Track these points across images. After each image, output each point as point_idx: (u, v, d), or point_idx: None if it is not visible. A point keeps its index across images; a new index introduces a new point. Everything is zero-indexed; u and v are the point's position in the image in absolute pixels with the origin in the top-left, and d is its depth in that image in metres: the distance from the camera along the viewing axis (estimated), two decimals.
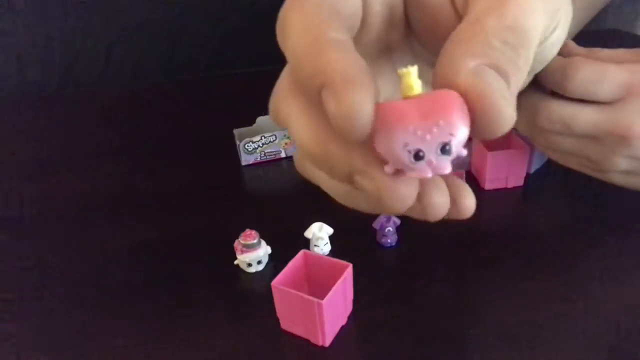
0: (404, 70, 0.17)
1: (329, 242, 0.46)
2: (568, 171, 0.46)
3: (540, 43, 0.22)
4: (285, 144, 0.62)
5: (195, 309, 0.42)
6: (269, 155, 0.62)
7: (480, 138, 0.17)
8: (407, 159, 0.16)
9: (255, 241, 0.44)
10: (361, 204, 0.22)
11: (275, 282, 0.37)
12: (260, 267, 0.45)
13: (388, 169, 0.17)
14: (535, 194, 0.54)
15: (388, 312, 0.40)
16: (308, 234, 0.45)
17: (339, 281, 0.37)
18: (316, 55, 0.17)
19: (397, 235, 0.47)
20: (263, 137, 0.61)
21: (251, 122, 0.64)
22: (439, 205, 0.19)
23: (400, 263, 0.46)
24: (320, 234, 0.45)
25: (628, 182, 0.43)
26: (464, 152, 0.17)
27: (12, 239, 0.52)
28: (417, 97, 0.17)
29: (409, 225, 0.47)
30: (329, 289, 0.36)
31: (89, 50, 0.89)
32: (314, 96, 0.17)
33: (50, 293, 0.45)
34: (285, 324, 0.39)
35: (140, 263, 0.48)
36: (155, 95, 0.86)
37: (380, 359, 0.37)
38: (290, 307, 0.37)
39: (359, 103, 0.16)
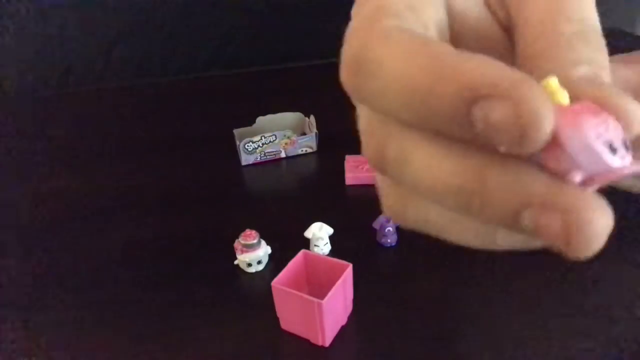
0: (544, 81, 0.15)
1: (329, 242, 0.46)
2: None
3: None
4: (285, 144, 0.62)
5: (195, 309, 0.42)
6: (269, 155, 0.62)
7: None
8: (606, 151, 0.14)
9: (255, 241, 0.44)
10: (509, 242, 0.17)
11: (275, 282, 0.37)
12: (260, 267, 0.45)
13: (577, 176, 0.14)
14: None
15: (388, 312, 0.40)
16: (308, 234, 0.45)
17: (339, 281, 0.37)
18: (449, 72, 0.14)
19: (397, 235, 0.47)
20: (263, 137, 0.61)
21: (251, 122, 0.64)
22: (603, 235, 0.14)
23: (400, 263, 0.46)
24: (320, 234, 0.45)
25: (629, 185, 0.43)
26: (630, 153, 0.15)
27: (12, 239, 0.52)
28: (571, 104, 0.15)
29: None
30: (329, 289, 0.36)
31: (89, 50, 0.89)
32: (460, 120, 0.14)
33: (50, 293, 0.45)
34: (285, 324, 0.39)
35: (139, 263, 0.48)
36: (155, 95, 0.86)
37: (380, 359, 0.37)
38: (290, 307, 0.37)
39: (543, 101, 0.13)
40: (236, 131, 0.63)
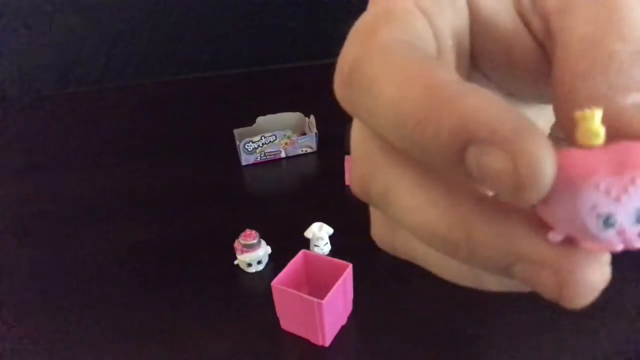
0: (587, 112, 0.13)
1: (329, 242, 0.46)
2: None
3: None
4: (285, 144, 0.62)
5: (196, 309, 0.42)
6: (269, 155, 0.62)
7: None
8: (595, 225, 0.13)
9: (255, 241, 0.44)
10: (499, 285, 0.17)
11: (275, 282, 0.37)
12: (260, 267, 0.45)
13: (554, 236, 0.13)
14: None
15: (388, 312, 0.40)
16: (308, 234, 0.45)
17: (339, 281, 0.37)
18: (444, 106, 0.13)
19: None
20: (263, 137, 0.61)
21: (251, 122, 0.64)
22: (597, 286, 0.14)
23: (400, 263, 0.46)
24: (320, 234, 0.45)
25: None
26: None
27: (12, 239, 0.52)
28: (601, 147, 0.13)
29: None
30: (329, 289, 0.36)
31: (89, 50, 0.89)
32: (450, 159, 0.13)
33: (50, 293, 0.45)
34: (285, 324, 0.39)
35: (139, 263, 0.48)
36: (155, 95, 0.86)
37: (380, 359, 0.37)
38: (290, 307, 0.37)
39: (544, 153, 0.12)
40: (236, 131, 0.63)
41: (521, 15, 0.18)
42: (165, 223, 0.53)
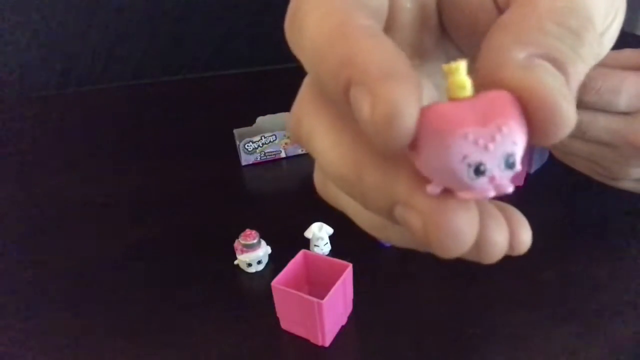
0: (452, 65, 0.13)
1: (329, 242, 0.46)
2: (568, 172, 0.46)
3: (601, 34, 0.18)
4: (285, 143, 0.62)
5: (195, 309, 0.42)
6: (269, 155, 0.62)
7: (537, 144, 0.14)
8: (466, 174, 0.13)
9: (255, 241, 0.44)
10: (401, 239, 0.18)
11: (275, 282, 0.37)
12: (260, 267, 0.45)
13: (432, 188, 0.13)
14: (535, 194, 0.54)
15: (388, 312, 0.40)
16: (308, 234, 0.45)
17: (339, 281, 0.37)
18: (343, 42, 0.13)
19: None
20: (263, 137, 0.61)
21: (251, 122, 0.64)
22: (499, 243, 0.15)
23: (400, 263, 0.46)
24: (320, 234, 0.45)
25: (638, 189, 0.43)
26: (519, 167, 0.14)
27: (12, 239, 0.52)
28: (468, 99, 0.13)
29: None
30: (329, 289, 0.36)
31: (89, 50, 0.89)
32: (340, 97, 0.14)
33: (50, 293, 0.45)
34: (285, 324, 0.39)
35: (139, 263, 0.48)
36: (155, 95, 0.86)
37: (380, 359, 0.37)
38: (290, 307, 0.37)
39: (403, 101, 0.12)
40: (236, 131, 0.63)
41: None
42: (165, 223, 0.53)
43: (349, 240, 0.47)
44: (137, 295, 0.44)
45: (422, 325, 0.39)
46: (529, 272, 0.43)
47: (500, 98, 0.13)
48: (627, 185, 0.42)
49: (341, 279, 0.37)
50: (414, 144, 0.13)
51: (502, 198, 0.15)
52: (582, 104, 0.38)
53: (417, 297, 0.42)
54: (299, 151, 0.63)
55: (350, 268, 0.38)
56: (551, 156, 0.56)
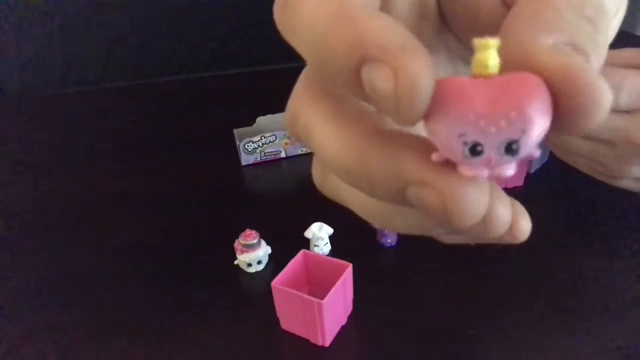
0: (482, 41, 0.13)
1: (329, 242, 0.46)
2: (568, 171, 0.46)
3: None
4: (285, 143, 0.62)
5: (195, 309, 0.42)
6: (269, 155, 0.62)
7: (569, 131, 0.14)
8: (460, 151, 0.13)
9: (255, 241, 0.44)
10: (405, 224, 0.18)
11: (275, 282, 0.37)
12: (260, 267, 0.45)
13: (436, 156, 0.14)
14: (535, 194, 0.54)
15: (388, 312, 0.40)
16: (308, 234, 0.45)
17: (339, 281, 0.37)
18: (350, 23, 0.14)
19: (397, 235, 0.47)
20: (263, 137, 0.61)
21: (251, 122, 0.64)
22: (503, 217, 0.15)
23: (400, 263, 0.46)
24: (320, 234, 0.45)
25: (638, 188, 0.43)
26: (537, 153, 0.13)
27: (12, 239, 0.52)
28: (489, 77, 0.13)
29: None
30: (329, 289, 0.36)
31: (89, 50, 0.89)
32: (349, 78, 0.14)
33: (50, 293, 0.45)
34: (285, 324, 0.39)
35: (139, 263, 0.48)
36: (155, 95, 0.86)
37: (380, 359, 0.37)
38: (290, 307, 0.37)
39: (424, 71, 0.13)
40: (236, 131, 0.63)
41: None
42: (165, 223, 0.53)
43: (349, 240, 0.47)
44: (136, 295, 0.44)
45: (422, 325, 0.39)
46: (529, 272, 0.43)
47: (523, 80, 0.13)
48: (627, 184, 0.42)
49: (341, 279, 0.37)
50: (425, 115, 0.13)
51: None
52: None
53: (417, 297, 0.42)
54: (299, 151, 0.63)
55: (350, 268, 0.38)
56: (551, 156, 0.56)
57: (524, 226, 0.16)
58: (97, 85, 0.91)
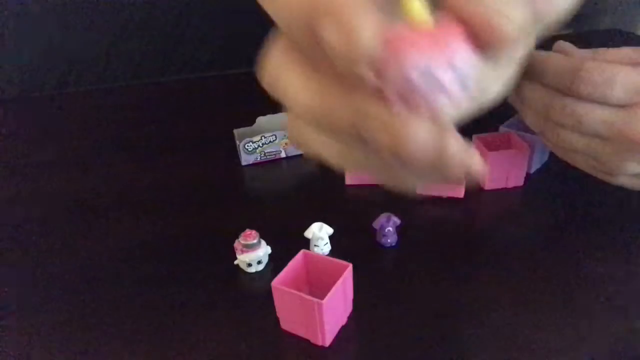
0: None
1: (329, 242, 0.46)
2: (568, 171, 0.46)
3: None
4: (285, 144, 0.62)
5: (195, 309, 0.42)
6: (269, 155, 0.62)
7: (493, 53, 0.16)
8: (416, 78, 0.15)
9: (255, 241, 0.44)
10: (371, 163, 0.20)
11: (275, 282, 0.37)
12: (260, 267, 0.45)
13: (396, 108, 0.16)
14: (535, 194, 0.54)
15: (388, 312, 0.40)
16: (308, 234, 0.45)
17: (339, 281, 0.37)
18: None
19: (397, 235, 0.47)
20: (263, 137, 0.61)
21: (251, 122, 0.64)
22: (453, 147, 0.17)
23: (400, 263, 0.46)
24: (320, 234, 0.45)
25: (635, 185, 0.43)
26: (469, 78, 0.16)
27: (10, 239, 0.52)
28: (424, 25, 0.16)
29: (409, 225, 0.47)
30: (329, 289, 0.36)
31: (89, 50, 0.89)
32: (307, 35, 0.16)
33: (49, 293, 0.45)
34: (285, 324, 0.39)
35: (139, 263, 0.48)
36: (155, 95, 0.86)
37: (380, 359, 0.37)
38: (290, 307, 0.37)
39: (363, 24, 0.15)
40: (236, 131, 0.63)
41: None
42: (165, 223, 0.53)
43: (349, 240, 0.47)
44: (135, 295, 0.44)
45: (422, 325, 0.39)
46: (529, 272, 0.43)
47: (450, 26, 0.16)
48: (624, 180, 0.42)
49: (341, 279, 0.37)
50: (378, 71, 0.16)
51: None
52: (575, 96, 0.38)
53: (417, 297, 0.42)
54: (299, 151, 0.63)
55: (350, 268, 0.38)
56: (551, 156, 0.56)
57: (476, 163, 0.18)
58: (97, 85, 0.91)
